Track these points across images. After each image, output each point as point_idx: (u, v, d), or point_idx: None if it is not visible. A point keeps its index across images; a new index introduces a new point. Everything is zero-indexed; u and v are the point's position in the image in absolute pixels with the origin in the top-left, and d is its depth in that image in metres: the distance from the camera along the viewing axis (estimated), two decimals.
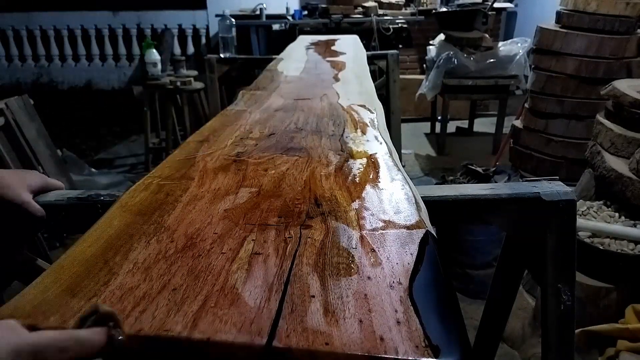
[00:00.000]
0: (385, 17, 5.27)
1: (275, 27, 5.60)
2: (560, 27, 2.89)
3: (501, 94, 3.94)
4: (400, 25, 5.38)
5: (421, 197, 0.69)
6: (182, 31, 6.11)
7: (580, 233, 1.67)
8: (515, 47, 3.84)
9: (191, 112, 3.60)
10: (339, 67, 1.76)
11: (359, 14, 5.32)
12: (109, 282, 0.46)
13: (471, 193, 0.85)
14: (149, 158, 3.79)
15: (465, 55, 3.81)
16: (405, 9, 5.60)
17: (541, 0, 5.20)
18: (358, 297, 0.44)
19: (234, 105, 1.21)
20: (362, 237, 0.54)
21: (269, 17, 5.42)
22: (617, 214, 1.78)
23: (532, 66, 3.15)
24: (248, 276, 0.47)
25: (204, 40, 6.16)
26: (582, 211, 1.82)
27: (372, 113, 1.11)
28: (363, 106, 1.17)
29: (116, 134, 4.86)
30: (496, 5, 4.52)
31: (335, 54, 2.11)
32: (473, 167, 2.45)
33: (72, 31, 6.23)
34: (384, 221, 0.58)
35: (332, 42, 2.47)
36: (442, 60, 3.81)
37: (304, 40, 2.60)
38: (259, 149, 0.86)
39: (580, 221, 1.70)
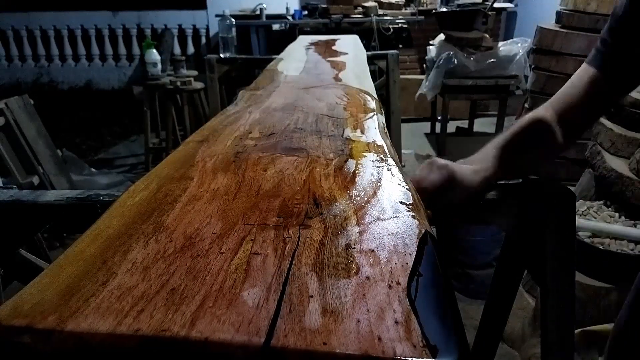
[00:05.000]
0: (385, 17, 5.28)
1: (275, 27, 5.61)
2: (560, 27, 2.89)
3: (501, 94, 3.94)
4: (400, 25, 5.38)
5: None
6: (182, 31, 6.11)
7: (580, 233, 1.67)
8: (515, 47, 3.84)
9: (191, 112, 3.60)
10: (339, 67, 1.76)
11: (359, 14, 5.33)
12: (108, 281, 0.46)
13: None
14: (149, 158, 3.79)
15: (465, 55, 3.81)
16: (405, 9, 5.60)
17: (541, 0, 5.20)
18: (356, 297, 0.44)
19: (234, 105, 1.21)
20: (361, 237, 0.54)
21: (269, 17, 5.42)
22: (617, 214, 1.78)
23: (532, 66, 3.15)
24: (246, 276, 0.47)
25: (204, 40, 6.17)
26: (582, 211, 1.82)
27: (372, 113, 1.11)
28: None
29: (116, 134, 4.86)
30: (496, 5, 4.52)
31: (336, 54, 2.11)
32: None
33: (72, 31, 6.23)
34: (383, 221, 0.58)
35: (332, 42, 2.47)
36: (442, 60, 3.81)
37: (304, 40, 2.60)
38: (259, 149, 0.86)
39: (580, 221, 1.70)
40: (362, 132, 0.96)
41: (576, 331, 1.43)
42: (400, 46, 5.31)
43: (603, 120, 2.03)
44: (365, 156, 0.82)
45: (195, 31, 6.14)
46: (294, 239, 0.54)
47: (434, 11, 5.04)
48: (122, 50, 6.34)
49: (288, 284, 0.45)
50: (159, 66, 3.57)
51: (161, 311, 0.42)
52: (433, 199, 0.73)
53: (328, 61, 1.90)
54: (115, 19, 6.19)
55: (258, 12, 5.37)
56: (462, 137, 4.54)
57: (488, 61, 3.81)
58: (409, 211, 0.61)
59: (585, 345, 1.50)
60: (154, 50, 3.56)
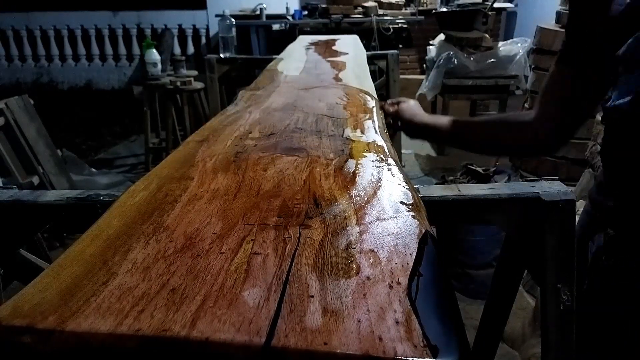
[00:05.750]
0: (385, 17, 5.28)
1: (275, 27, 5.61)
2: (560, 27, 2.89)
3: (501, 94, 3.94)
4: (400, 25, 5.38)
5: (421, 197, 0.69)
6: (182, 31, 6.11)
7: None
8: (515, 47, 3.84)
9: (191, 112, 3.59)
10: (339, 67, 1.75)
11: (359, 14, 5.33)
12: (108, 281, 0.46)
13: (471, 193, 0.85)
14: (149, 158, 3.79)
15: (465, 55, 3.81)
16: (405, 9, 5.61)
17: (541, 0, 5.20)
18: (357, 297, 0.44)
19: (234, 105, 1.21)
20: (361, 237, 0.54)
21: (269, 17, 5.43)
22: None
23: (532, 66, 3.14)
24: (247, 276, 0.47)
25: (204, 40, 6.17)
26: None
27: (372, 113, 1.11)
28: None
29: (116, 134, 4.86)
30: (496, 5, 4.52)
31: (336, 54, 2.11)
32: (473, 167, 2.45)
33: (72, 31, 6.23)
34: (384, 221, 0.58)
35: (332, 42, 2.47)
36: (442, 60, 3.81)
37: (304, 40, 2.60)
38: (259, 148, 0.86)
39: None
40: (362, 132, 0.96)
41: None
42: (400, 46, 5.31)
43: None
44: (366, 156, 0.82)
45: (195, 31, 6.14)
46: (294, 239, 0.54)
47: (434, 11, 5.04)
48: (122, 50, 6.34)
49: (288, 284, 0.45)
50: (159, 66, 3.57)
51: (162, 311, 0.42)
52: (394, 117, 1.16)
53: (328, 61, 1.90)
54: (115, 19, 6.19)
55: (258, 12, 5.37)
56: None
57: (488, 61, 3.81)
58: (409, 211, 0.61)
59: None
60: (154, 50, 3.56)
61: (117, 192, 0.78)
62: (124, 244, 0.53)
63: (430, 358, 0.37)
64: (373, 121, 1.04)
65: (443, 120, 1.06)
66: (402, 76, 3.74)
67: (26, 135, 2.60)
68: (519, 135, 0.93)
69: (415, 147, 4.23)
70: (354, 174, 0.74)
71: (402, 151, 3.59)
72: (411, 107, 1.13)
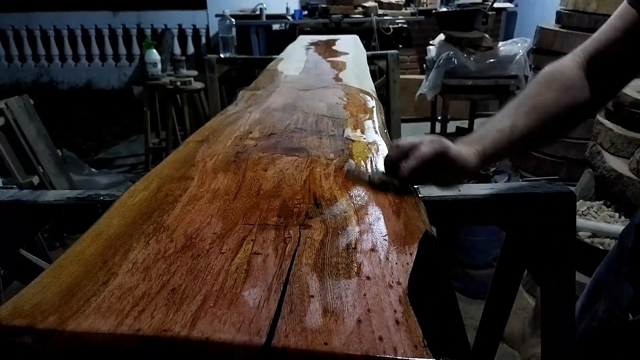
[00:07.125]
0: (385, 17, 5.27)
1: (275, 27, 5.60)
2: (560, 27, 2.89)
3: (501, 94, 3.93)
4: (400, 25, 5.38)
5: (421, 197, 0.69)
6: (182, 31, 6.11)
7: (580, 233, 1.67)
8: (515, 47, 3.83)
9: (191, 112, 3.59)
10: (339, 67, 1.75)
11: (359, 14, 5.32)
12: (108, 281, 0.46)
13: (471, 193, 0.85)
14: (149, 158, 3.79)
15: (465, 55, 3.81)
16: (405, 9, 5.60)
17: (541, 0, 5.20)
18: (357, 297, 0.44)
19: (234, 105, 1.21)
20: (361, 237, 0.54)
21: (269, 17, 5.42)
22: (617, 214, 1.78)
23: (532, 66, 3.14)
24: (247, 276, 0.47)
25: (204, 40, 6.16)
26: (582, 211, 1.82)
27: (372, 113, 1.11)
28: None
29: (116, 134, 4.85)
30: (496, 5, 4.51)
31: (336, 54, 2.11)
32: None
33: (72, 31, 6.23)
34: (384, 221, 0.58)
35: (332, 42, 2.47)
36: (442, 60, 3.80)
37: (304, 40, 2.60)
38: (259, 148, 0.86)
39: (580, 221, 1.70)
40: (362, 132, 0.96)
41: None
42: (400, 46, 5.30)
43: (603, 120, 2.03)
44: (366, 156, 0.82)
45: (195, 31, 6.13)
46: (294, 239, 0.54)
47: (434, 11, 5.03)
48: (122, 50, 6.33)
49: (289, 284, 0.45)
50: (159, 66, 3.57)
51: (162, 311, 0.42)
52: (418, 173, 0.66)
53: (328, 61, 1.90)
54: (115, 19, 6.18)
55: (258, 12, 5.36)
56: (462, 137, 4.53)
57: (488, 61, 3.81)
58: (409, 211, 0.61)
59: None
60: (154, 50, 3.56)
61: (117, 192, 0.78)
62: (124, 244, 0.53)
63: (430, 358, 0.37)
64: (373, 121, 1.04)
65: (490, 142, 0.77)
66: (402, 76, 3.74)
67: (26, 135, 2.60)
68: (572, 102, 0.73)
69: None
70: None
71: None
72: (439, 147, 0.69)
